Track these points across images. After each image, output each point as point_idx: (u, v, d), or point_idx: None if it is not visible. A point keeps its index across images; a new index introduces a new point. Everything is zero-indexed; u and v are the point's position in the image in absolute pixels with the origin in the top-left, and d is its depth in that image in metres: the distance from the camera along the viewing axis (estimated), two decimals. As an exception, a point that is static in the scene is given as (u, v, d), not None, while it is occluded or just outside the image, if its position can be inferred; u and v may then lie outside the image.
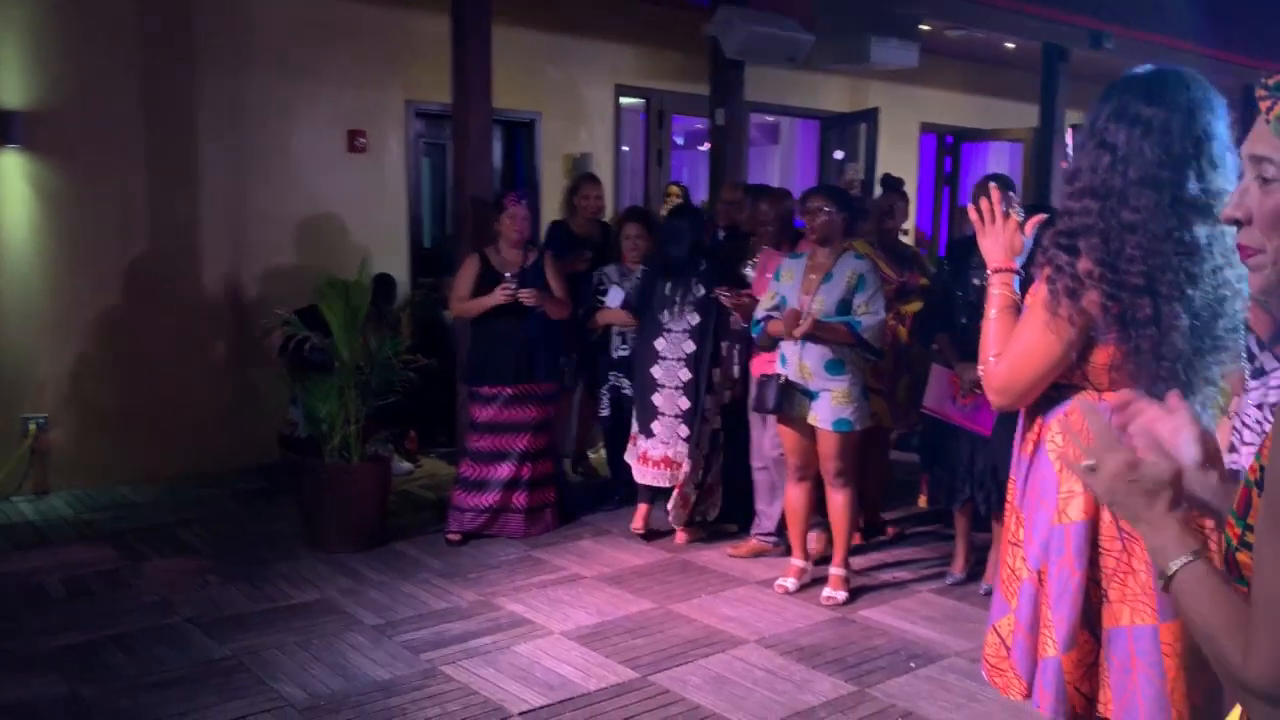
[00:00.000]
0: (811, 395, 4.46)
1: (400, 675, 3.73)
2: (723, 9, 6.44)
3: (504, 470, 5.25)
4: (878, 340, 4.48)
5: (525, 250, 5.32)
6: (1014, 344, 2.19)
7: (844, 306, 4.42)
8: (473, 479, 5.26)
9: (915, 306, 5.32)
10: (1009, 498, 2.41)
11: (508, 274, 5.18)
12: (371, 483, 5.19)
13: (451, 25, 5.70)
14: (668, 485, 5.22)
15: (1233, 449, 3.20)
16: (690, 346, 5.15)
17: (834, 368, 4.44)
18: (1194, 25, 9.32)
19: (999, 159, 10.96)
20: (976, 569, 4.75)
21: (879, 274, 4.66)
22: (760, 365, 4.84)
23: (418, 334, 6.46)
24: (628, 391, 5.56)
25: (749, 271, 4.83)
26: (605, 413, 5.78)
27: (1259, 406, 3.16)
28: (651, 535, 5.31)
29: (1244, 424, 3.20)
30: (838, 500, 4.56)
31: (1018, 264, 2.33)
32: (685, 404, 5.16)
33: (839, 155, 7.28)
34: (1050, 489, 2.22)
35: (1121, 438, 1.33)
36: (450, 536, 5.24)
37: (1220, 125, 2.05)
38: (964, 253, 4.71)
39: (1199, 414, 2.09)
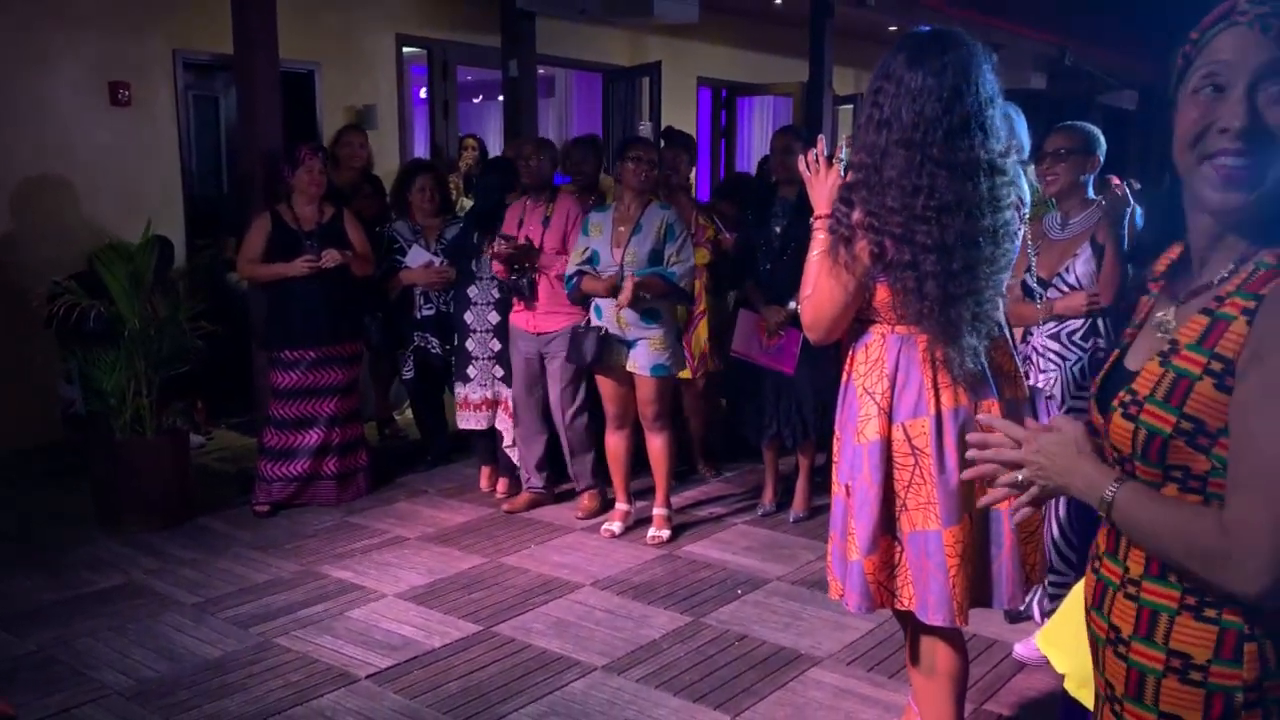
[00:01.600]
0: (629, 344, 4.58)
1: (232, 651, 3.59)
2: (518, -42, 6.36)
3: (312, 437, 5.08)
4: (690, 286, 4.66)
5: (321, 207, 5.13)
6: (807, 286, 2.41)
7: (655, 256, 4.54)
8: (279, 448, 5.07)
9: (704, 257, 5.49)
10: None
11: (307, 242, 4.99)
12: (170, 457, 4.90)
13: (227, -31, 5.35)
14: (487, 426, 5.25)
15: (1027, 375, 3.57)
16: (498, 293, 5.15)
17: (650, 316, 4.56)
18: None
19: (770, 112, 11.40)
20: (786, 499, 5.05)
21: (682, 218, 4.82)
22: (519, 319, 4.93)
23: (200, 298, 6.09)
24: (436, 350, 5.51)
25: (500, 238, 4.82)
26: (410, 375, 5.69)
27: (1054, 338, 3.53)
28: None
29: (1038, 353, 3.57)
30: (657, 443, 4.72)
31: None
32: (497, 346, 5.19)
33: (644, 126, 7.31)
34: (853, 413, 2.47)
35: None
36: (258, 508, 5.04)
37: (986, 86, 2.26)
38: (764, 202, 4.94)
39: (976, 347, 2.33)
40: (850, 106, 11.42)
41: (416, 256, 5.39)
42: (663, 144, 5.87)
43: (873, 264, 2.31)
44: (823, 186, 2.47)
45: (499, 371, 5.21)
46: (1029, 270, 3.52)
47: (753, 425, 4.90)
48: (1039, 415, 3.40)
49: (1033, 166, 3.73)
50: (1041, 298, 3.48)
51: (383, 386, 6.25)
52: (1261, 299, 1.19)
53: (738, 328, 4.90)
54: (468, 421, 5.28)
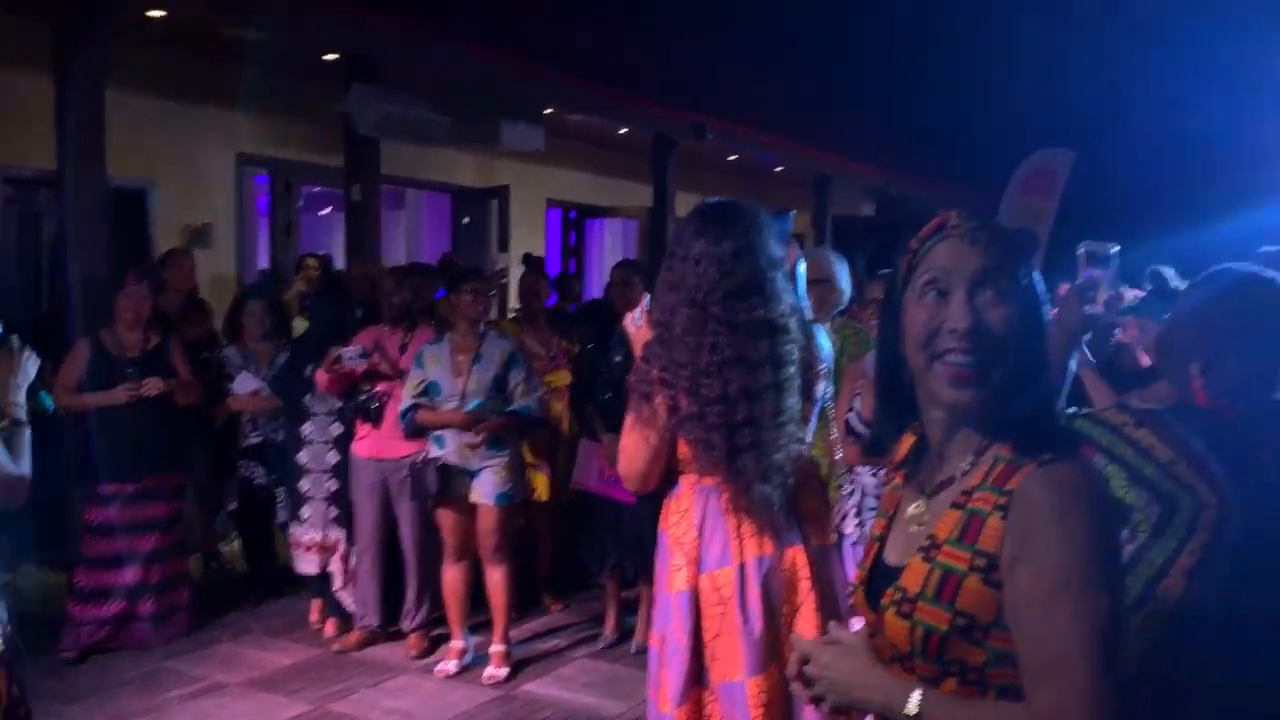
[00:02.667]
0: (473, 473, 4.52)
1: (19, 828, 3.26)
2: (356, 88, 6.40)
3: (129, 575, 4.77)
4: (542, 412, 4.67)
5: (146, 333, 4.94)
6: (621, 439, 2.51)
7: (499, 384, 4.53)
8: (91, 588, 4.74)
9: (565, 379, 5.52)
10: None
11: (128, 369, 4.78)
12: (-37, 603, 4.50)
13: (55, 86, 5.19)
14: (320, 571, 5.03)
15: (845, 516, 3.67)
16: (338, 429, 5.00)
17: (495, 445, 4.53)
18: (783, 122, 10.60)
19: (618, 234, 11.69)
20: (631, 628, 5.00)
21: (522, 347, 4.84)
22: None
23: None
24: (261, 481, 5.31)
25: (347, 352, 4.71)
26: (235, 505, 5.45)
27: (876, 477, 3.66)
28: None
29: (865, 493, 3.68)
30: (496, 576, 4.63)
31: None
32: (334, 486, 5.00)
33: (501, 260, 7.29)
34: (665, 563, 2.51)
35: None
36: (66, 654, 4.67)
37: (767, 252, 2.43)
38: (606, 327, 5.02)
39: (769, 495, 2.41)
40: (694, 229, 11.85)
41: (244, 383, 5.22)
42: (522, 269, 5.95)
43: (669, 418, 2.41)
44: (640, 343, 2.56)
45: (333, 513, 5.01)
46: (852, 409, 3.65)
47: (593, 555, 4.87)
48: (845, 562, 3.51)
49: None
50: (863, 438, 3.61)
51: (208, 517, 5.97)
52: (1011, 495, 1.25)
53: (578, 457, 4.91)
54: (302, 563, 5.06)
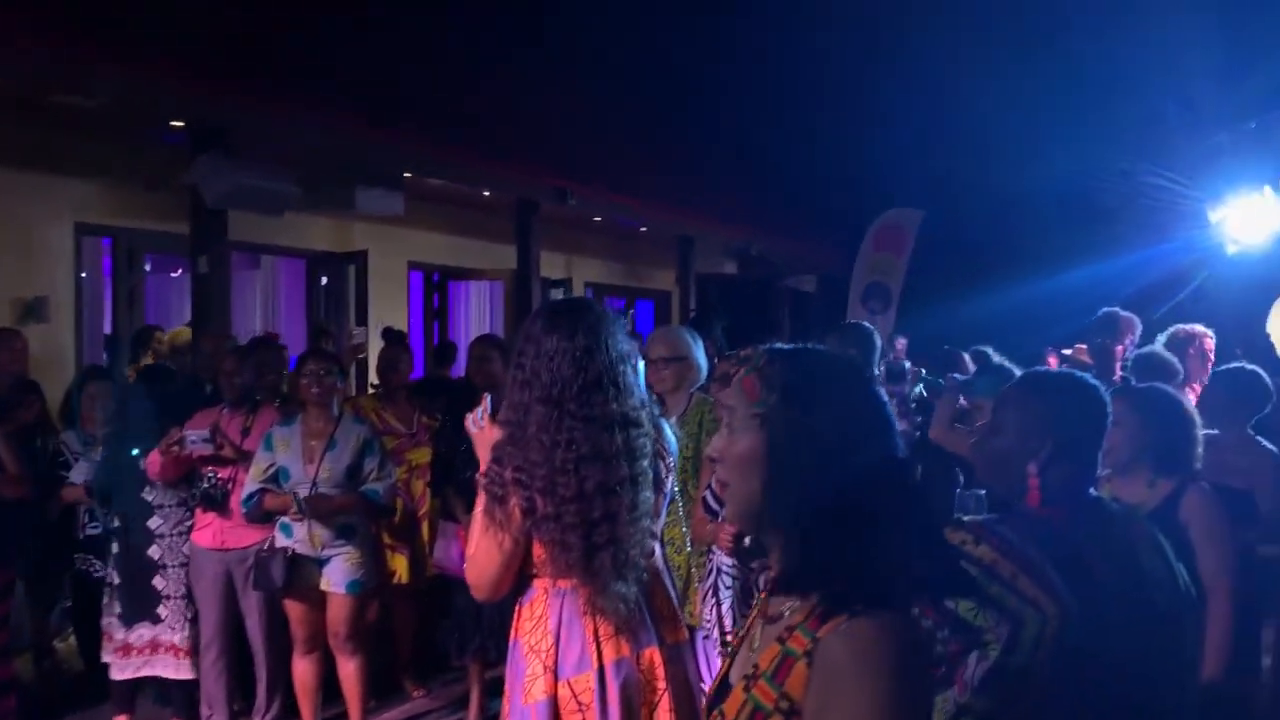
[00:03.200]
0: (322, 562, 4.35)
1: None
2: (203, 158, 6.18)
3: (-53, 684, 4.41)
4: (391, 502, 4.54)
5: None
6: (469, 545, 2.43)
7: (353, 472, 4.40)
8: (-99, 702, 4.36)
9: (427, 456, 5.39)
10: None
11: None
12: None
13: None
14: (175, 676, 4.69)
15: (704, 598, 3.67)
16: (191, 517, 4.71)
17: (346, 531, 4.38)
18: (645, 186, 10.76)
19: (486, 294, 11.58)
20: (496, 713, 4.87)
21: (378, 435, 4.70)
22: (203, 537, 4.57)
23: None
24: (100, 574, 4.99)
25: (191, 434, 4.49)
26: (69, 602, 5.10)
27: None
28: None
29: (721, 571, 3.69)
30: (350, 668, 4.46)
31: None
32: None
33: (358, 334, 7.00)
34: (520, 671, 2.43)
35: None
36: None
37: (617, 346, 2.43)
38: (466, 404, 4.92)
39: (626, 594, 2.40)
40: (560, 290, 11.85)
41: (80, 471, 4.92)
42: (382, 344, 5.82)
43: (524, 519, 2.35)
44: (485, 441, 2.49)
45: (191, 612, 4.68)
46: (709, 487, 3.67)
47: (454, 639, 4.74)
48: (699, 658, 3.50)
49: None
50: (721, 516, 3.63)
51: (41, 613, 5.57)
52: (818, 644, 1.25)
53: (437, 539, 4.79)
54: (125, 671, 4.67)
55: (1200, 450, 3.10)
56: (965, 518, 1.99)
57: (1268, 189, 8.25)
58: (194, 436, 4.43)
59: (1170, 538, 2.96)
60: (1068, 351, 9.04)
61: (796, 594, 1.34)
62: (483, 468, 2.47)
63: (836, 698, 1.20)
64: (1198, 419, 3.09)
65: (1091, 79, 13.01)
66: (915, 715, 1.24)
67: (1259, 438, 3.86)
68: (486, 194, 9.31)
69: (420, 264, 10.24)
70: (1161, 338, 5.36)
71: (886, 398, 1.49)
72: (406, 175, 8.10)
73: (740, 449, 1.39)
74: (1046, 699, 1.81)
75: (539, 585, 2.43)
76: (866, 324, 4.98)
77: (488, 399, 2.59)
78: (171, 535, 4.71)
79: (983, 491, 2.85)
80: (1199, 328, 5.44)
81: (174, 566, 4.71)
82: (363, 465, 4.42)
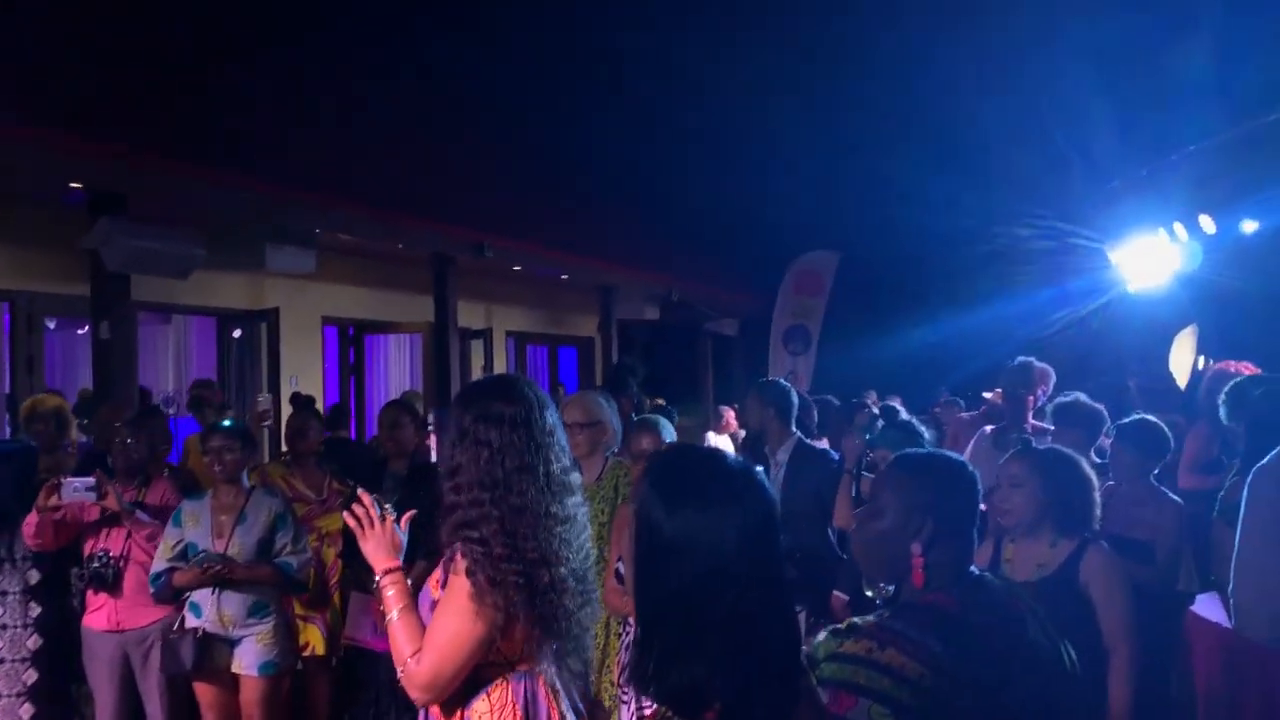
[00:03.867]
0: (233, 642, 4.21)
1: None
2: (103, 221, 6.01)
3: None
4: (306, 578, 4.41)
5: None
6: (439, 638, 2.26)
7: (264, 547, 4.27)
8: None
9: (338, 523, 5.27)
10: None
11: None
12: None
13: None
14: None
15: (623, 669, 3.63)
16: (36, 609, 4.35)
17: (259, 610, 4.25)
18: (563, 237, 10.78)
19: (407, 348, 11.44)
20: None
21: (291, 506, 4.59)
22: (96, 620, 4.32)
23: None
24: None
25: (73, 481, 4.23)
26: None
27: None
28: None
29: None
30: (265, 752, 4.30)
31: (401, 560, 2.43)
32: (33, 678, 4.33)
33: (263, 401, 6.80)
34: None
35: None
36: None
37: (555, 415, 2.45)
38: (375, 474, 4.85)
39: (584, 665, 2.37)
40: (480, 340, 11.76)
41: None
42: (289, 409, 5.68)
43: (517, 595, 2.25)
44: (380, 541, 2.40)
45: (27, 711, 4.31)
46: (620, 559, 3.65)
47: (369, 713, 4.61)
48: None
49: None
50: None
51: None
52: None
53: (350, 610, 4.68)
54: None
55: (1099, 511, 3.18)
56: (859, 620, 1.97)
57: (1162, 231, 8.56)
58: (76, 484, 4.11)
59: (1071, 598, 3.05)
60: (988, 395, 9.26)
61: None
62: (382, 566, 2.38)
63: None
64: (1095, 479, 3.17)
65: (995, 127, 13.44)
66: None
67: (1162, 487, 3.98)
68: (401, 247, 9.23)
69: (334, 319, 10.08)
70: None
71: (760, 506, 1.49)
72: (318, 232, 8.00)
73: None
74: None
75: (494, 672, 2.33)
76: (783, 381, 5.03)
77: (365, 495, 2.50)
78: (14, 628, 4.31)
79: None
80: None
81: (12, 661, 4.30)
82: (274, 540, 4.30)
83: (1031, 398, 6.07)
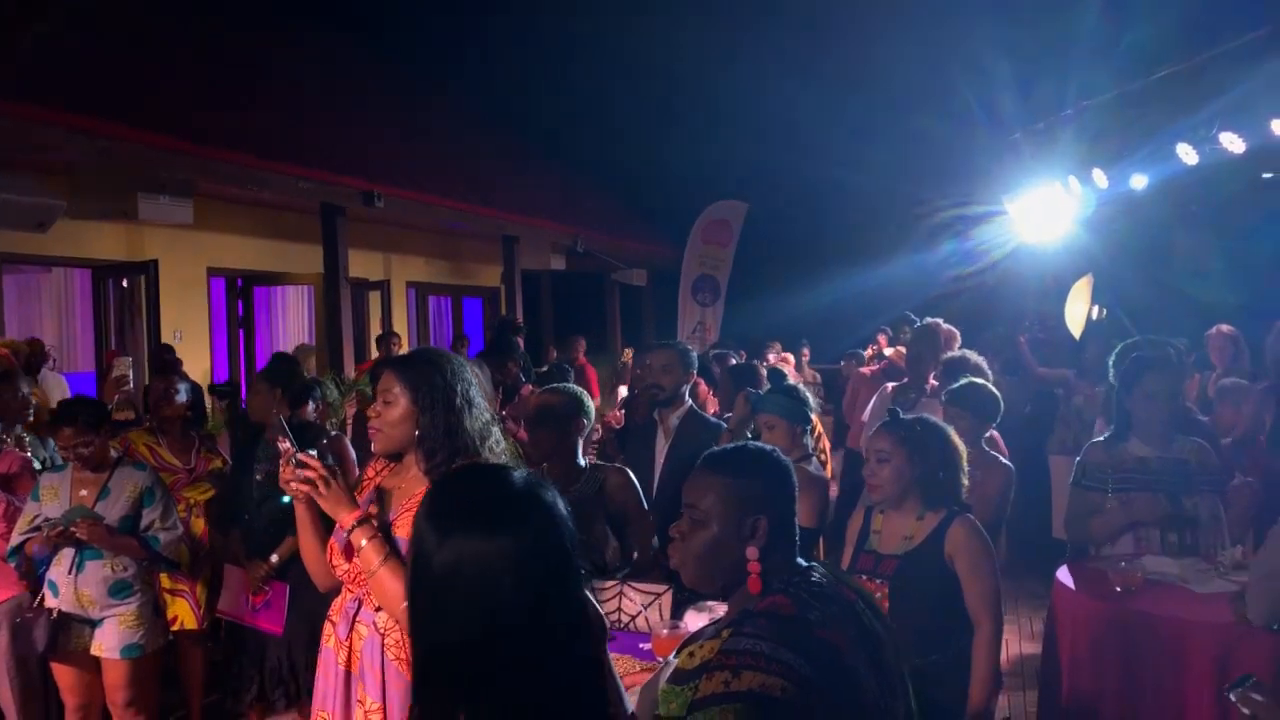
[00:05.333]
0: (94, 623, 4.00)
1: None
2: (-52, 171, 5.61)
3: None
4: (176, 554, 4.20)
5: None
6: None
7: (129, 523, 4.05)
8: None
9: (207, 493, 5.05)
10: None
11: None
12: None
13: None
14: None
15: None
16: None
17: (120, 590, 4.03)
18: (460, 186, 10.48)
19: (304, 299, 11.05)
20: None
21: (159, 478, 4.36)
22: None
23: None
24: None
25: None
26: None
27: None
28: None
29: None
30: (133, 734, 4.12)
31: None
32: None
33: (120, 365, 6.04)
34: None
35: None
36: None
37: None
38: (250, 440, 4.62)
39: None
40: (378, 292, 11.44)
41: None
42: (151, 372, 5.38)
43: None
44: (338, 495, 2.40)
45: None
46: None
47: (233, 687, 4.46)
48: None
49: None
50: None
51: None
52: None
53: (224, 583, 4.50)
54: None
55: (967, 481, 3.15)
56: (695, 648, 1.80)
57: (1058, 185, 8.65)
58: None
59: (937, 570, 3.03)
60: (889, 352, 9.33)
61: None
62: (348, 520, 2.38)
63: None
64: (963, 449, 3.14)
65: (901, 83, 13.47)
66: None
67: (993, 452, 4.05)
68: (288, 197, 8.86)
69: (221, 270, 9.67)
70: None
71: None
72: (193, 182, 7.59)
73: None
74: None
75: None
76: (683, 345, 4.86)
77: (309, 458, 2.42)
78: None
79: None
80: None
81: None
82: (140, 515, 4.07)
83: (934, 361, 6.08)
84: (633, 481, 3.56)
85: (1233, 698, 2.01)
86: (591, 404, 3.71)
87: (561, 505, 1.33)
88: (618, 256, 13.99)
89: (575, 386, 3.81)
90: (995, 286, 11.85)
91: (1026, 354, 8.23)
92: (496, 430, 2.70)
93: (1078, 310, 9.44)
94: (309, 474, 2.39)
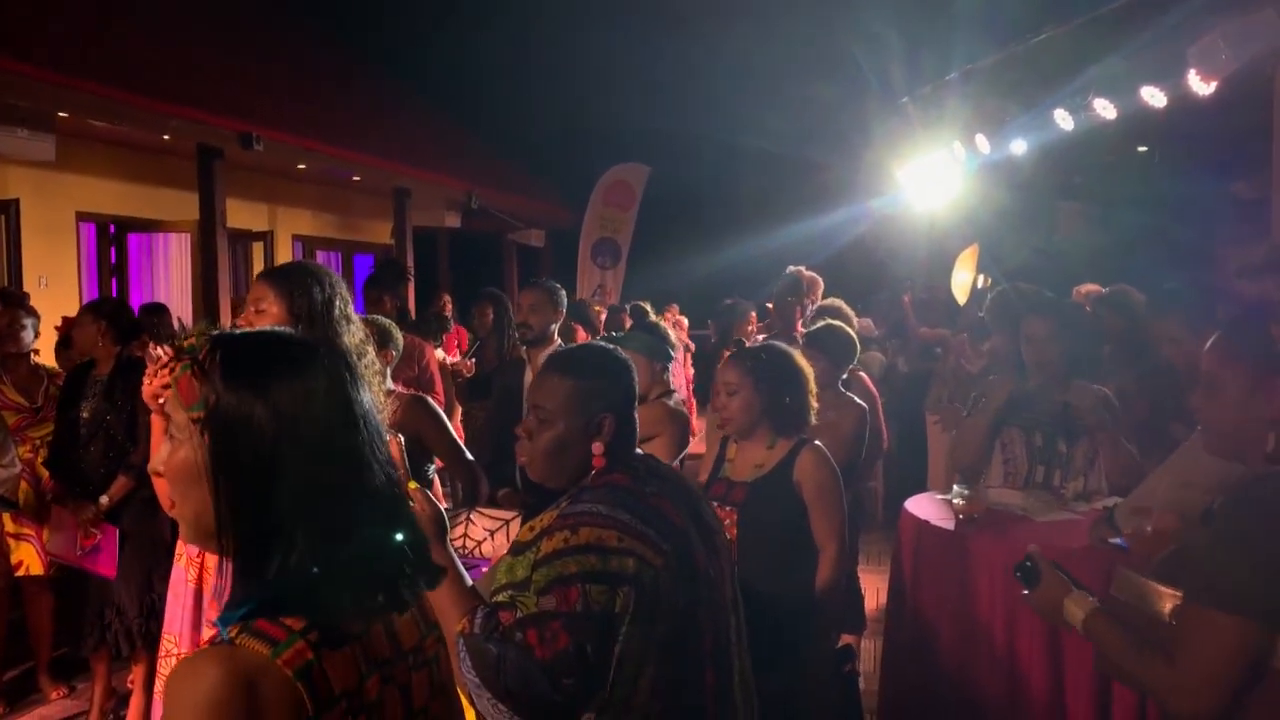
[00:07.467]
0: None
1: None
2: None
3: None
4: (13, 492, 3.99)
5: None
6: None
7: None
8: None
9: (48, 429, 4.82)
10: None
11: None
12: None
13: None
14: None
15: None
16: None
17: (-55, 528, 3.83)
18: (346, 132, 10.19)
19: (181, 248, 10.60)
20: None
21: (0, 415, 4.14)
22: None
23: None
24: None
25: None
26: None
27: None
28: None
29: None
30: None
31: None
32: None
33: None
34: None
35: None
36: None
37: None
38: (78, 379, 4.40)
39: None
40: (261, 244, 11.09)
41: None
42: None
43: None
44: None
45: None
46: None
47: (73, 634, 4.28)
48: None
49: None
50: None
51: None
52: None
53: (52, 526, 4.29)
54: None
55: (815, 404, 3.16)
56: (532, 523, 1.92)
57: (944, 151, 8.81)
58: None
59: (785, 495, 3.04)
60: (769, 305, 9.42)
61: None
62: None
63: None
64: (809, 373, 3.15)
65: (800, 47, 13.56)
66: None
67: (849, 393, 4.11)
68: (166, 138, 8.49)
69: (91, 215, 9.22)
70: None
71: (362, 390, 1.31)
72: (61, 115, 7.21)
73: (178, 461, 1.22)
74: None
75: None
76: (551, 284, 4.80)
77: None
78: None
79: None
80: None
81: None
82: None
83: (799, 307, 6.18)
84: (431, 408, 3.38)
85: (1019, 574, 2.12)
86: (399, 335, 3.61)
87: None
88: (515, 216, 13.82)
89: (386, 319, 3.73)
90: (886, 251, 12.07)
91: (910, 314, 8.41)
92: (371, 351, 2.63)
93: (963, 278, 9.67)
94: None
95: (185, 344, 1.26)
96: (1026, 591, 2.09)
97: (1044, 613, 2.06)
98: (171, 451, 1.23)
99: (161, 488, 1.99)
